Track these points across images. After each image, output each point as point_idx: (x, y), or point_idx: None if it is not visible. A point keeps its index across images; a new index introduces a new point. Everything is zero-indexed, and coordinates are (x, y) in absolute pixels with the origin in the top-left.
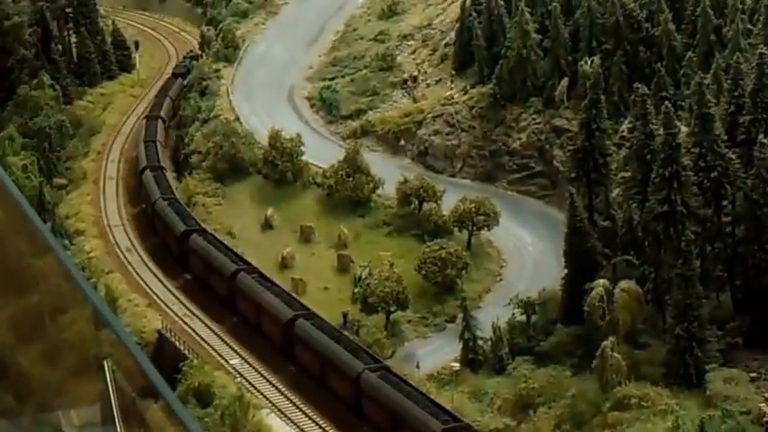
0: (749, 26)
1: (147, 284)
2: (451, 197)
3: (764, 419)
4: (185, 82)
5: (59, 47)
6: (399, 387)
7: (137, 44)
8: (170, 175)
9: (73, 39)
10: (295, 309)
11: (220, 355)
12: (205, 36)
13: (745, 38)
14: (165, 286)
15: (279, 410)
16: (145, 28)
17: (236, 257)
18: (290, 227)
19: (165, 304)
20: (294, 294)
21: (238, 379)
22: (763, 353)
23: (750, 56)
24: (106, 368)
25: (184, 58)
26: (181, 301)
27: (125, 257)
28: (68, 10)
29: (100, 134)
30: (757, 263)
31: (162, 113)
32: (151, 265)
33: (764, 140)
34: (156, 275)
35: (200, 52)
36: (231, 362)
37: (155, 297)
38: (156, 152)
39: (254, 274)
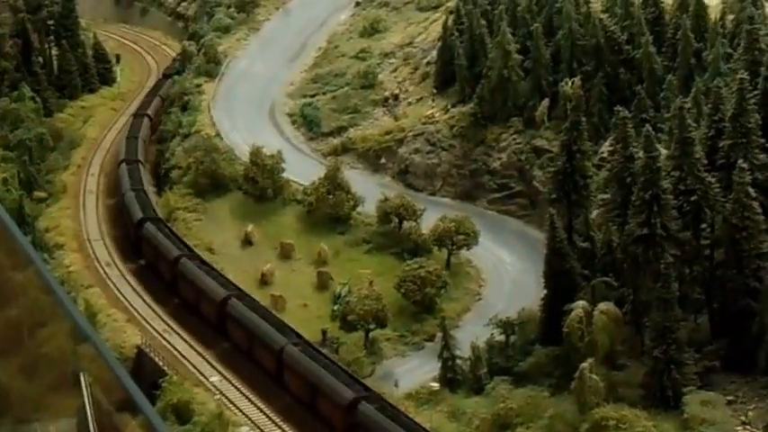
0: (729, 50)
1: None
2: (431, 216)
3: None
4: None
5: (40, 59)
6: (318, 360)
7: (118, 57)
8: (145, 169)
9: (54, 51)
10: (228, 289)
11: (200, 372)
12: (186, 51)
13: (725, 62)
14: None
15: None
16: (126, 41)
17: (180, 244)
18: (270, 243)
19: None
20: (229, 278)
21: (218, 396)
22: (741, 376)
23: (730, 80)
24: (83, 381)
25: (174, 60)
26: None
27: (105, 272)
28: (50, 22)
29: (80, 147)
30: (735, 286)
31: (149, 111)
32: (132, 281)
33: (744, 165)
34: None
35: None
36: (211, 379)
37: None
38: (136, 147)
39: (195, 259)
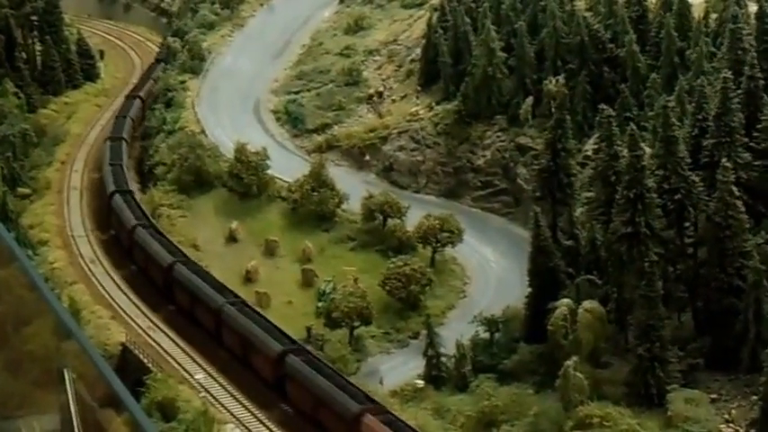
0: (713, 49)
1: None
2: (416, 213)
3: None
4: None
5: (24, 55)
6: (252, 317)
7: (102, 53)
8: (128, 146)
9: (37, 47)
10: (175, 256)
11: (184, 368)
12: (170, 47)
13: (708, 61)
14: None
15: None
16: (110, 37)
17: (140, 214)
18: (255, 240)
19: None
20: (178, 245)
21: (203, 393)
22: (724, 374)
23: (714, 79)
24: (66, 377)
25: (162, 45)
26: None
27: (89, 269)
28: (33, 18)
29: (64, 143)
30: (719, 285)
31: (141, 93)
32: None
33: (727, 164)
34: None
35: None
36: (196, 377)
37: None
38: (123, 125)
39: (150, 228)
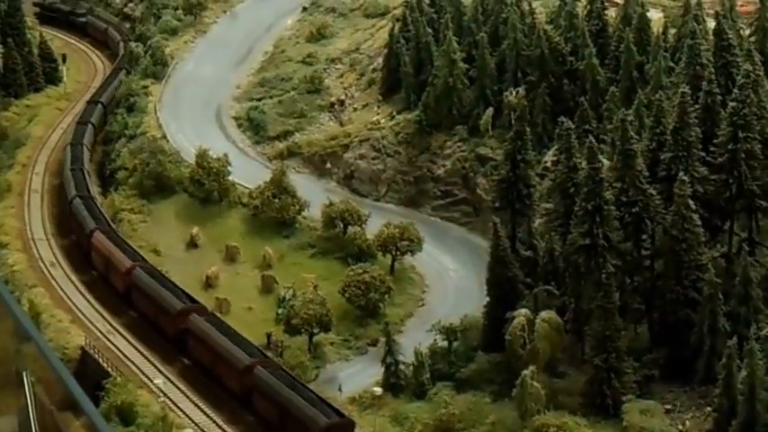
0: (671, 64)
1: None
2: (376, 221)
3: None
4: None
5: None
6: (160, 280)
7: (64, 57)
8: (95, 129)
9: (0, 49)
10: (98, 223)
11: (143, 373)
12: (133, 52)
13: (667, 76)
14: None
15: None
16: (72, 41)
17: (83, 186)
18: (216, 246)
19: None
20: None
21: (162, 398)
22: (679, 385)
23: (672, 94)
24: (25, 380)
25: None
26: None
27: (48, 272)
28: None
29: (25, 146)
30: (675, 297)
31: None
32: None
33: (684, 177)
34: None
35: None
36: (155, 381)
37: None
38: (93, 111)
39: (87, 199)
